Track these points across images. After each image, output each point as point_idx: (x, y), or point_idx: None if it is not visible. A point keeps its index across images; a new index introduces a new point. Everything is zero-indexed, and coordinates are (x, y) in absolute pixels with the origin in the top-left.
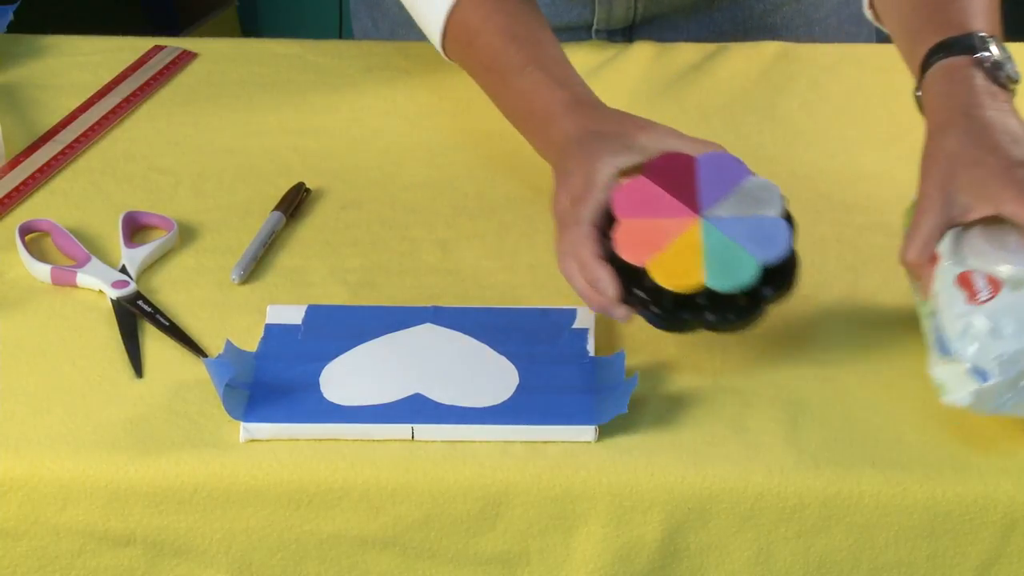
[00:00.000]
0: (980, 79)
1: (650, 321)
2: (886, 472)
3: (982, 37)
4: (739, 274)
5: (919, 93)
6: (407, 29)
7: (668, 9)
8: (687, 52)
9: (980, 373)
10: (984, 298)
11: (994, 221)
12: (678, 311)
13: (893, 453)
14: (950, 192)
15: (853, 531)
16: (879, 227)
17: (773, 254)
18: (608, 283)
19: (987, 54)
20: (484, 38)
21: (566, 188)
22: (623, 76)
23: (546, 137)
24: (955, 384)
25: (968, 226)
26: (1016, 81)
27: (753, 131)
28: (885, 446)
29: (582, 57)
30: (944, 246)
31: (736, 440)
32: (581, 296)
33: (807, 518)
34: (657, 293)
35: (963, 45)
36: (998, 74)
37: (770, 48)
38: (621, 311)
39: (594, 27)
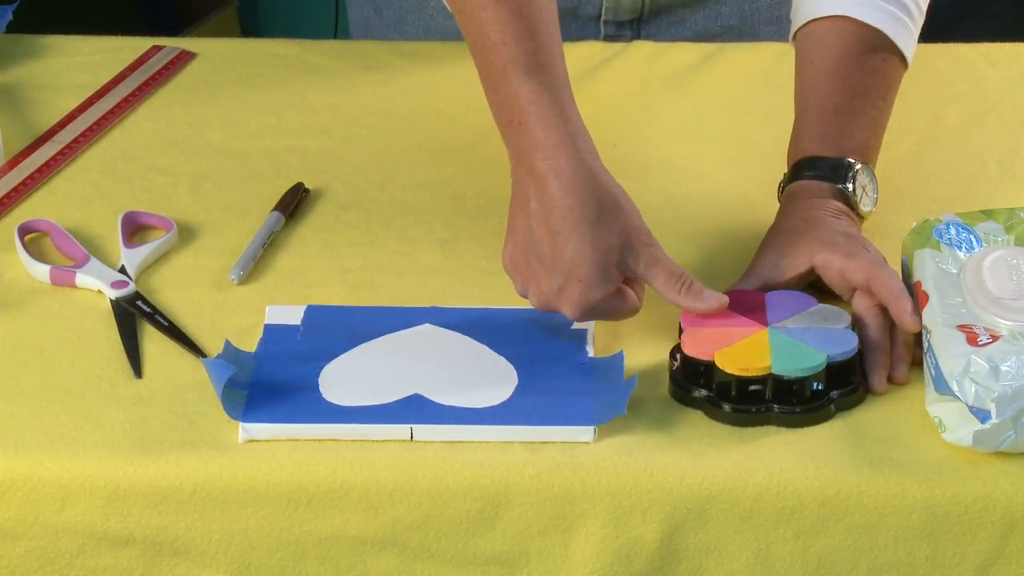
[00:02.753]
0: (835, 204)
1: (715, 418)
2: (885, 472)
3: (850, 165)
4: (805, 361)
5: (782, 186)
6: (416, 16)
7: (676, 1)
8: (686, 52)
9: (980, 413)
10: (984, 342)
11: (988, 275)
12: (744, 404)
13: (892, 453)
14: (774, 259)
15: (852, 531)
16: (878, 227)
17: (839, 351)
18: (632, 295)
19: (849, 187)
20: (492, 12)
21: (556, 252)
22: (623, 76)
23: (527, 153)
24: (955, 423)
25: (965, 280)
26: (867, 212)
27: (753, 131)
28: (884, 446)
29: (582, 57)
30: (934, 290)
31: (735, 440)
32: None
33: (806, 518)
34: (723, 388)
35: (833, 169)
36: (851, 202)
37: (770, 48)
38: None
39: (602, 17)
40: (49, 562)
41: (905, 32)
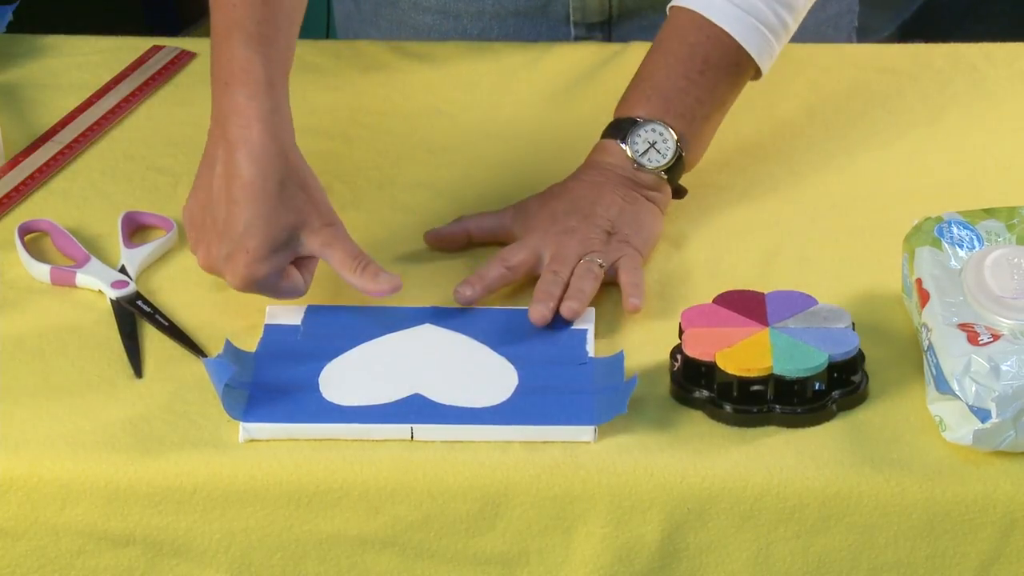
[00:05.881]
0: (618, 158)
1: (717, 419)
2: (885, 472)
3: (633, 122)
4: (807, 361)
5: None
6: (389, 10)
7: (645, 5)
8: None
9: (980, 412)
10: (985, 341)
11: (989, 274)
12: (745, 404)
13: (892, 453)
14: (513, 214)
15: (853, 531)
16: (878, 227)
17: (840, 351)
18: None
19: (633, 145)
20: None
21: (230, 221)
22: (623, 76)
23: (226, 116)
24: (955, 422)
25: (966, 278)
26: (658, 168)
27: (753, 131)
28: (884, 446)
29: (579, 58)
30: (935, 288)
31: (736, 440)
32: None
33: (806, 518)
34: (724, 388)
35: (617, 128)
36: (634, 159)
37: None
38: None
39: (571, 18)
40: (49, 562)
41: (743, 24)
